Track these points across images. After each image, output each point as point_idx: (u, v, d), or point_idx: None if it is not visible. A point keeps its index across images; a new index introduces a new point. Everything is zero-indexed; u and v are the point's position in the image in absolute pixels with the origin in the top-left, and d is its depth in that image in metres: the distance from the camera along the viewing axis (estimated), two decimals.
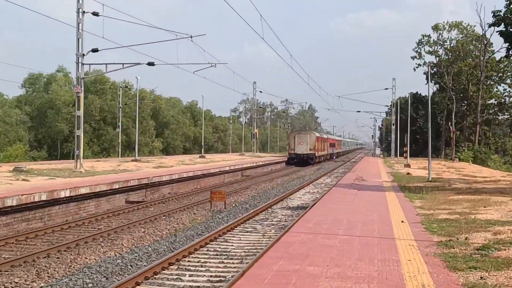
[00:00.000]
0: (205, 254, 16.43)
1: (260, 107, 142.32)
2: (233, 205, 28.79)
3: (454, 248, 13.52)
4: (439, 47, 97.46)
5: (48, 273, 14.57)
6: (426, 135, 57.50)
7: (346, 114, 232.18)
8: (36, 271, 14.71)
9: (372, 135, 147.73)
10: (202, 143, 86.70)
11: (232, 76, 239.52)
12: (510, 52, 35.74)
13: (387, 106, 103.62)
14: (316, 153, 75.25)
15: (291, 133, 78.32)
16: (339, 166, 72.22)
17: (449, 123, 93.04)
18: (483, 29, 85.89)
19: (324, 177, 49.74)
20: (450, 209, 21.49)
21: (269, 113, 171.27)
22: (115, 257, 16.34)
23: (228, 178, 46.63)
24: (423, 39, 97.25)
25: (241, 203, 29.46)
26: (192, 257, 15.97)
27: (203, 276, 13.82)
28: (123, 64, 38.77)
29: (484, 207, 21.98)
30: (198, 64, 57.70)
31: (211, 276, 13.85)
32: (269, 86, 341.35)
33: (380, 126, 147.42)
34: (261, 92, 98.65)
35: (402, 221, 18.11)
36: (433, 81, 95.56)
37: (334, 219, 18.97)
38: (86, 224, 22.62)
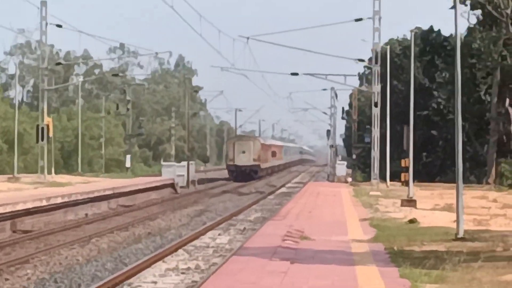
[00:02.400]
0: None
1: (59, 63, 73.44)
2: None
3: None
4: None
5: None
6: (452, 131, 29.93)
7: (265, 81, 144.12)
8: None
9: (328, 131, 78.73)
10: None
11: None
12: None
13: (362, 61, 53.83)
14: (261, 164, 69.29)
15: (229, 140, 73.79)
16: (251, 204, 37.41)
17: (507, 99, 49.87)
18: None
19: (214, 232, 24.35)
20: None
21: (80, 79, 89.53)
22: None
23: None
24: None
25: None
26: None
27: None
28: None
29: None
30: None
31: None
32: (80, 13, 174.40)
33: (347, 109, 79.20)
34: (59, 27, 47.35)
35: None
36: (468, 3, 48.11)
37: None
38: None
